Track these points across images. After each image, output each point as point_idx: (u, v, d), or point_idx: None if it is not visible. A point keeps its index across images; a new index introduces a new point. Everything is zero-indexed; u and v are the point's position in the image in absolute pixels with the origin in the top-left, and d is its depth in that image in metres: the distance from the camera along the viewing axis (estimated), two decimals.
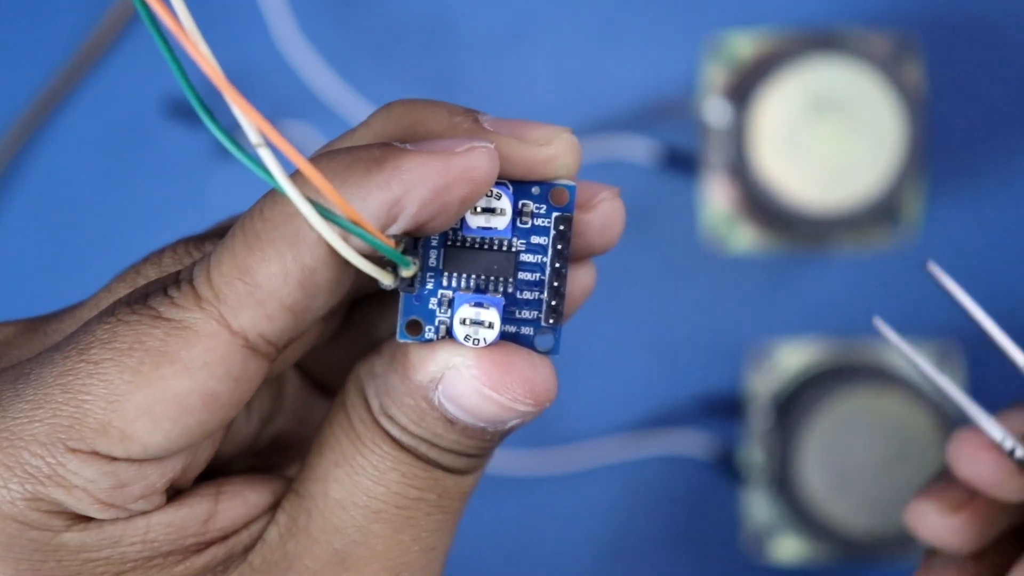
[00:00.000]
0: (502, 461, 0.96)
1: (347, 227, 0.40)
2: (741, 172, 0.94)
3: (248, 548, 0.45)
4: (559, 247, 0.44)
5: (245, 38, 0.97)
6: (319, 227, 0.40)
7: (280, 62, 0.97)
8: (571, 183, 0.45)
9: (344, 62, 0.98)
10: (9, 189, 0.98)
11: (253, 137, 0.39)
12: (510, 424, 0.45)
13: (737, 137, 0.94)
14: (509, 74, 0.99)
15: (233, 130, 0.40)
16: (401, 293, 0.44)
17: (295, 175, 0.41)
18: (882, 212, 0.93)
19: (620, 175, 0.97)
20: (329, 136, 0.94)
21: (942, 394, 0.45)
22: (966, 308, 0.45)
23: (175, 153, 0.98)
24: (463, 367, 0.44)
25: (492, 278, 0.44)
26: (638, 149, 0.97)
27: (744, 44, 0.96)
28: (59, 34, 0.98)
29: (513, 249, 0.44)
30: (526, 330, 0.45)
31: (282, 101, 0.97)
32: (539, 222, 0.45)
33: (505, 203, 0.44)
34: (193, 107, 0.39)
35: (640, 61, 0.98)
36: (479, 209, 0.44)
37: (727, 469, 0.96)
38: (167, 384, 0.41)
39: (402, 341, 0.44)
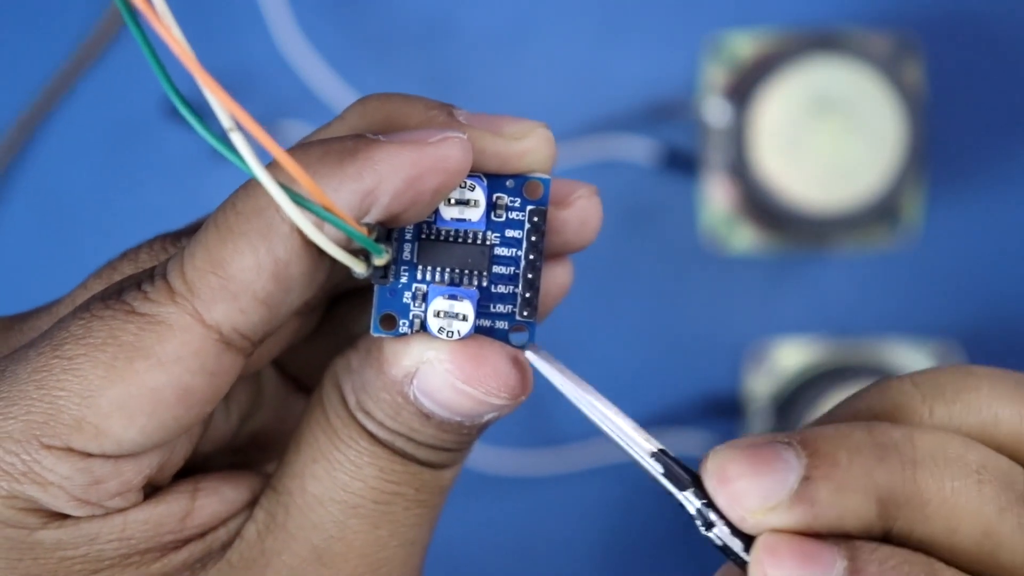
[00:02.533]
0: (501, 461, 0.96)
1: (320, 214, 0.40)
2: (741, 172, 0.93)
3: (226, 545, 0.45)
4: (533, 240, 0.44)
5: (245, 38, 0.97)
6: (291, 213, 0.39)
7: (280, 62, 0.97)
8: (545, 176, 0.44)
9: (344, 62, 0.98)
10: (8, 189, 0.98)
11: (224, 121, 0.39)
12: (486, 418, 0.45)
13: (737, 137, 0.93)
14: (509, 74, 0.99)
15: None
16: (375, 287, 0.44)
17: (269, 164, 0.40)
18: (882, 212, 0.93)
19: (620, 175, 0.97)
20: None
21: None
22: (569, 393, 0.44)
23: (174, 153, 0.98)
24: (436, 361, 0.43)
25: (466, 272, 0.44)
26: (638, 149, 0.97)
27: (744, 44, 0.96)
28: (58, 35, 0.98)
29: (487, 242, 0.44)
30: (500, 324, 0.45)
31: (282, 101, 0.97)
32: (513, 215, 0.44)
33: (479, 194, 0.44)
34: (164, 88, 0.39)
35: (640, 61, 0.98)
36: (453, 201, 0.44)
37: None
38: (141, 379, 0.41)
39: (376, 335, 0.44)
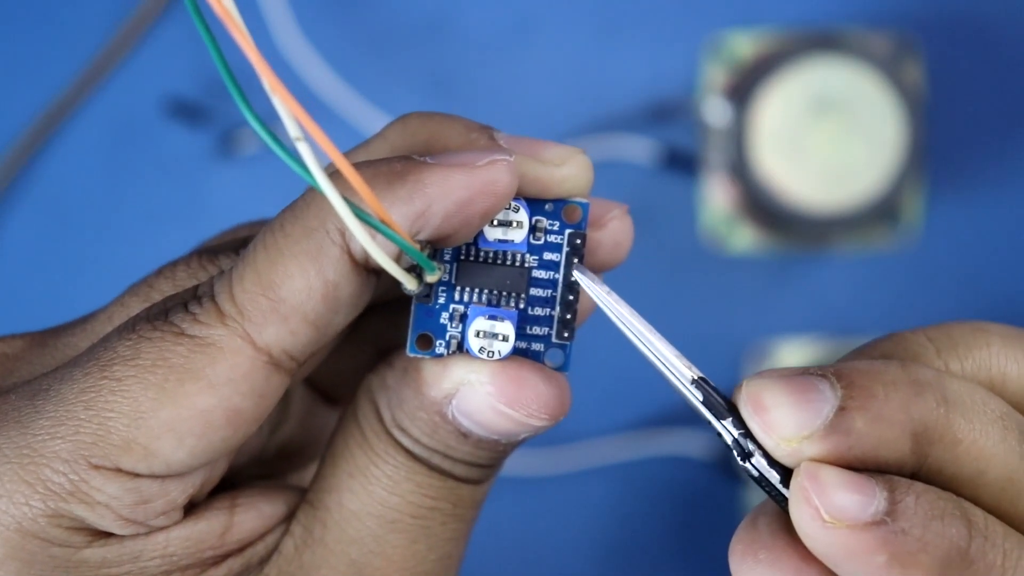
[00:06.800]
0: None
1: (379, 228, 0.40)
2: (741, 172, 0.94)
3: (264, 560, 0.45)
4: (574, 262, 0.45)
5: None
6: (352, 225, 0.39)
7: (280, 62, 0.97)
8: (584, 200, 0.45)
9: (344, 62, 0.98)
10: (19, 193, 0.98)
11: (292, 130, 0.38)
12: (523, 436, 0.45)
13: (737, 137, 0.94)
14: (509, 74, 0.99)
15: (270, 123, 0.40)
16: (413, 306, 0.44)
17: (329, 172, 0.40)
18: (882, 212, 0.93)
19: (620, 175, 0.97)
20: (329, 136, 0.93)
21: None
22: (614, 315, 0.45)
23: (178, 156, 0.98)
24: (478, 383, 0.44)
25: (504, 293, 0.45)
26: (638, 149, 0.97)
27: (744, 44, 0.96)
28: (62, 44, 0.98)
29: (526, 265, 0.45)
30: (536, 346, 0.45)
31: None
32: (552, 238, 0.45)
33: (523, 216, 0.44)
34: (232, 95, 0.38)
35: (640, 61, 0.98)
36: (496, 222, 0.44)
37: (727, 470, 0.96)
38: (192, 401, 0.41)
39: (413, 356, 0.44)
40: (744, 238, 0.97)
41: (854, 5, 0.97)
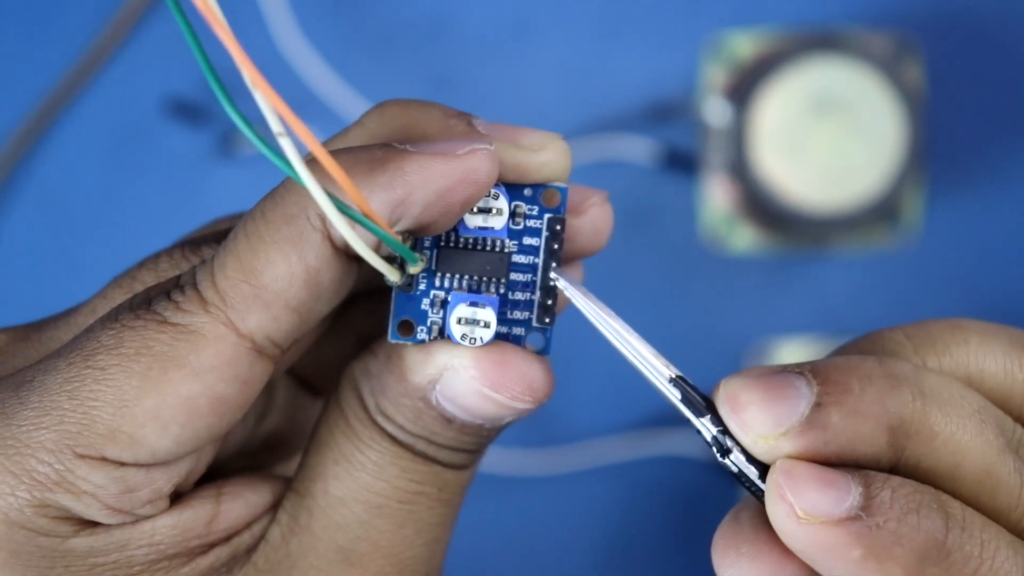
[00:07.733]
0: (502, 461, 0.96)
1: (360, 220, 0.40)
2: (741, 172, 0.94)
3: (251, 548, 0.45)
4: (554, 247, 0.45)
5: (245, 38, 0.97)
6: (335, 218, 0.39)
7: (280, 62, 0.97)
8: (563, 185, 0.45)
9: (344, 62, 0.98)
10: (13, 193, 0.98)
11: (274, 125, 0.38)
12: (506, 420, 0.45)
13: (737, 137, 0.94)
14: (509, 74, 0.99)
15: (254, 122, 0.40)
16: (393, 293, 0.44)
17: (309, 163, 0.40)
18: (882, 212, 0.93)
19: (620, 175, 0.97)
20: (329, 137, 0.94)
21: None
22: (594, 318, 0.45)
23: (175, 154, 0.98)
24: (461, 368, 0.44)
25: (485, 279, 0.45)
26: (638, 149, 0.97)
27: (744, 44, 0.96)
28: (61, 41, 0.98)
29: (506, 250, 0.45)
30: (517, 331, 0.45)
31: None
32: (531, 223, 0.45)
33: (503, 203, 0.45)
34: (213, 90, 0.38)
35: (640, 61, 0.98)
36: (475, 209, 0.44)
37: (726, 470, 0.96)
38: (176, 388, 0.41)
39: (394, 342, 0.44)
40: (744, 238, 0.97)
41: (854, 5, 0.97)
